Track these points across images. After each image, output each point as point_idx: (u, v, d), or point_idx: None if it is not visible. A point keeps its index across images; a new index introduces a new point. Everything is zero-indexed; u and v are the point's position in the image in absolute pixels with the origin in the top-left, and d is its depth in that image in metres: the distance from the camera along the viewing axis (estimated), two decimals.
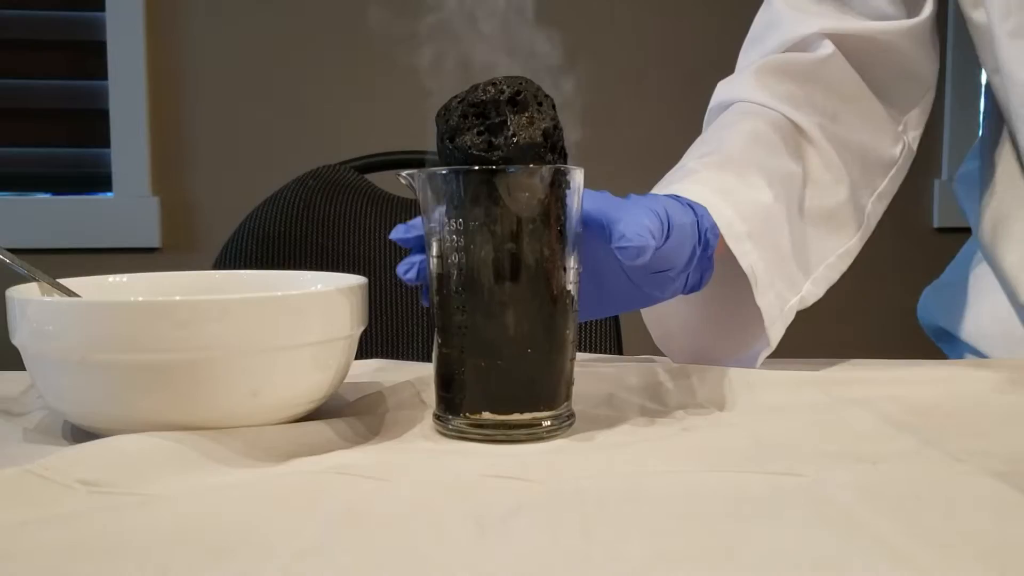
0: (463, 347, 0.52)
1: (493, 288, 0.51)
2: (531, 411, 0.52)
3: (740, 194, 0.68)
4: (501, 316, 0.51)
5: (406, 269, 0.57)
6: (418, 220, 0.56)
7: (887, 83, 0.83)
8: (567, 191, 0.52)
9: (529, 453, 0.51)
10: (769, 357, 0.71)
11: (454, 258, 0.51)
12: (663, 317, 0.73)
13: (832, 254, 0.76)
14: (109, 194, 1.71)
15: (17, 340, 0.53)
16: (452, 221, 0.51)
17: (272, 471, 0.48)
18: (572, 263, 0.53)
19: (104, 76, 1.69)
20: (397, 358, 0.88)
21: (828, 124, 0.79)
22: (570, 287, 0.53)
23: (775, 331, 0.69)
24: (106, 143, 1.70)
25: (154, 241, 1.72)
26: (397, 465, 0.48)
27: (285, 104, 1.74)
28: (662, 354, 0.75)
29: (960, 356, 0.90)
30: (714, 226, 0.63)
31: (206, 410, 0.51)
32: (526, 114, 0.52)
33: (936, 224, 1.93)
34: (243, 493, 0.44)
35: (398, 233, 0.58)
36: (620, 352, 1.11)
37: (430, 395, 0.62)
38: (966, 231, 0.93)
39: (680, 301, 0.69)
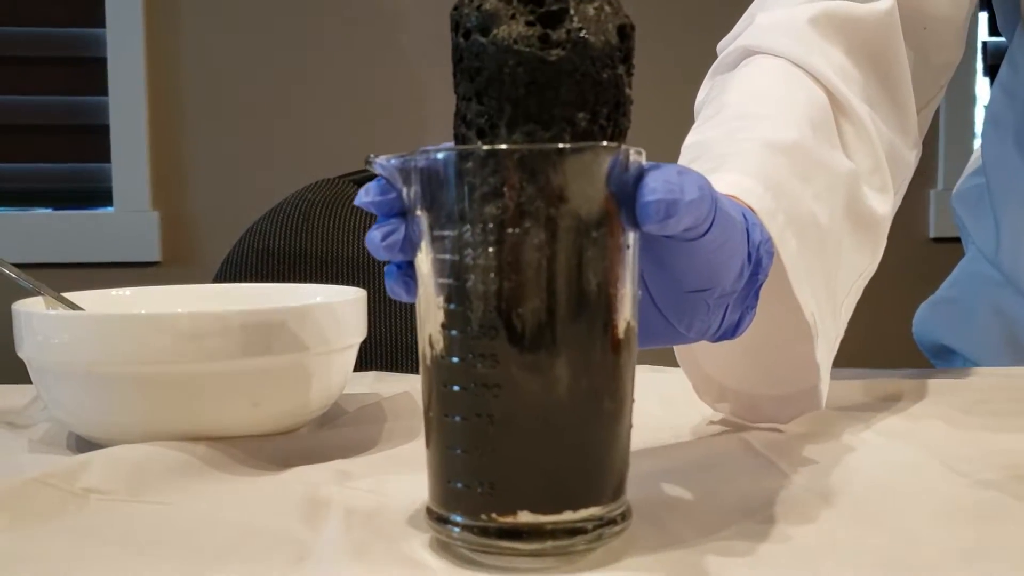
0: (492, 413, 0.36)
1: (545, 326, 0.36)
2: (587, 506, 0.37)
3: (798, 203, 0.51)
4: (554, 367, 0.36)
5: (387, 233, 0.38)
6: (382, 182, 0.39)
7: (916, 68, 0.66)
8: (631, 179, 0.37)
9: None
10: None
11: (477, 281, 0.36)
12: (696, 358, 0.57)
13: (855, 275, 0.59)
14: (109, 208, 1.72)
15: (23, 353, 0.54)
16: (476, 227, 0.35)
17: (272, 480, 0.49)
18: (632, 287, 0.38)
19: (104, 92, 1.70)
20: (395, 369, 0.88)
21: (874, 112, 0.61)
22: (633, 323, 0.38)
23: (825, 388, 0.54)
24: (106, 158, 1.71)
25: (154, 255, 1.73)
26: (395, 475, 0.49)
27: (284, 118, 1.75)
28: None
29: None
30: (767, 241, 0.46)
31: (208, 421, 0.51)
32: (594, 2, 0.37)
33: (932, 235, 1.93)
34: (243, 501, 0.45)
35: (369, 195, 0.39)
36: None
37: None
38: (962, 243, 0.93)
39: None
